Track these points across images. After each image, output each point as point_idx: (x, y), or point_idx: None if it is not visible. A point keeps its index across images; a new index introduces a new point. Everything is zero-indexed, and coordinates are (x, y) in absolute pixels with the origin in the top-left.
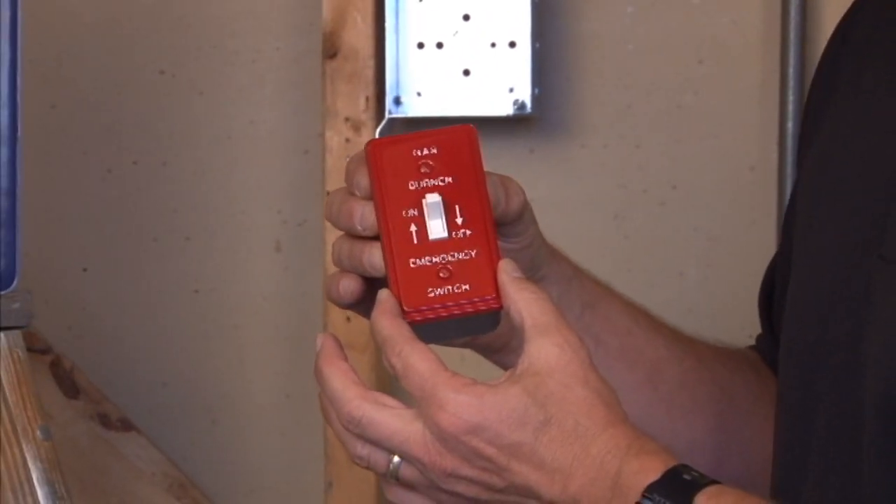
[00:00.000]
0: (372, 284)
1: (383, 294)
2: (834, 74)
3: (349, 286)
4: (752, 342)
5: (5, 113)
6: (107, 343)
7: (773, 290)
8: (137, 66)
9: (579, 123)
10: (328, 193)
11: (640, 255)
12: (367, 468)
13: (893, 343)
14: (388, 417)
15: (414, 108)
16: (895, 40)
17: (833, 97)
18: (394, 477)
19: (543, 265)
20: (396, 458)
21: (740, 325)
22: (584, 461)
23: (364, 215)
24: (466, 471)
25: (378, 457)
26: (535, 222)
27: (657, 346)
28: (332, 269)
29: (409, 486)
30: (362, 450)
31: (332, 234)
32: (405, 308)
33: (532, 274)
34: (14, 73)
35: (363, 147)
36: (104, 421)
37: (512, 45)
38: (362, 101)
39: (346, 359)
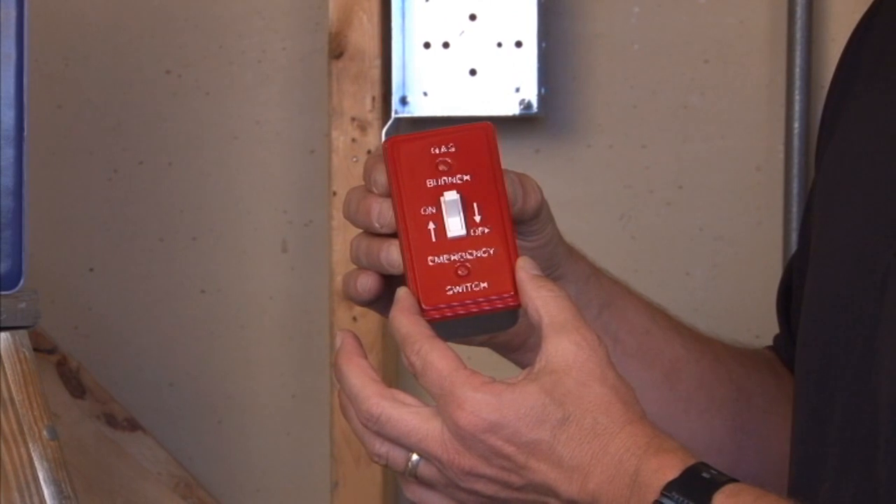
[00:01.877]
0: (390, 282)
1: (402, 292)
2: (851, 74)
3: (367, 283)
4: (759, 341)
5: (11, 113)
6: (113, 343)
7: (790, 289)
8: (143, 67)
9: (585, 123)
10: (334, 193)
11: (647, 255)
12: (386, 466)
13: None
14: (407, 415)
15: (420, 107)
16: None
17: (850, 96)
18: (412, 475)
19: (561, 263)
20: (415, 457)
21: (746, 324)
22: (602, 459)
23: (382, 212)
24: (485, 469)
25: (396, 454)
26: (552, 220)
27: (675, 346)
28: (339, 269)
29: (427, 484)
30: (381, 448)
31: (339, 235)
32: (424, 306)
33: (550, 272)
34: (20, 73)
35: (374, 146)
36: (110, 421)
37: (518, 44)
38: (368, 101)
39: (365, 356)
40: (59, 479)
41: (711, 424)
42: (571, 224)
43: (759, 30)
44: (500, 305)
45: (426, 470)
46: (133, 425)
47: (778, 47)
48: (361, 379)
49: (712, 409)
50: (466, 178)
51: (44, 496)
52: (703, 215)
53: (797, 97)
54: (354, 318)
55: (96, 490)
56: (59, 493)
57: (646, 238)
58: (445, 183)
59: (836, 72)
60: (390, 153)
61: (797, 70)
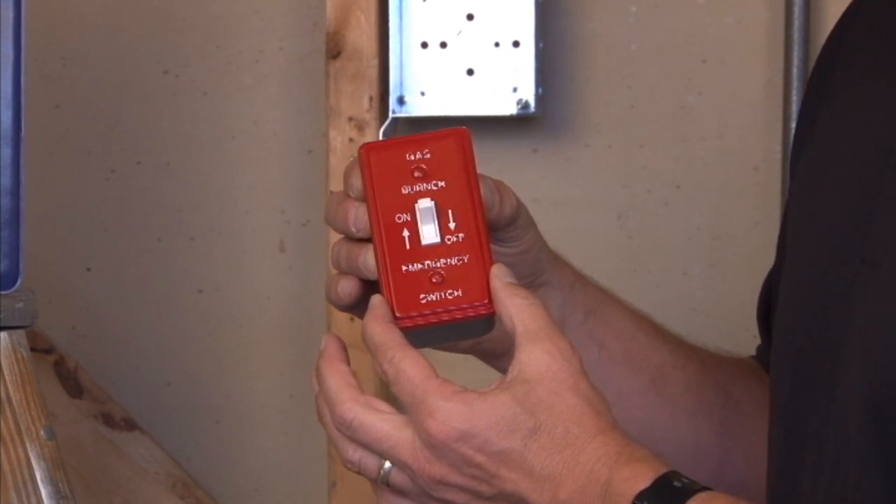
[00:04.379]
0: (370, 287)
1: (375, 300)
2: (826, 81)
3: (347, 288)
4: (757, 341)
5: (9, 113)
6: (111, 343)
7: (770, 299)
8: (141, 67)
9: (583, 123)
10: (332, 193)
11: (644, 254)
12: (359, 473)
13: (874, 347)
14: (379, 422)
15: (418, 107)
16: (886, 46)
17: (824, 104)
18: (384, 482)
19: (546, 270)
20: (387, 464)
21: (745, 325)
22: (573, 469)
23: (358, 217)
24: (456, 478)
25: (369, 461)
26: (533, 226)
27: (661, 351)
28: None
29: (400, 492)
30: (353, 454)
31: (336, 235)
32: (397, 314)
33: (534, 279)
34: (18, 73)
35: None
36: (108, 420)
37: (516, 44)
38: (366, 101)
39: (347, 361)
40: (56, 478)
41: (698, 429)
42: (569, 224)
43: (756, 30)
44: (472, 314)
45: (398, 478)
46: (131, 425)
47: (776, 48)
48: (338, 383)
49: (699, 414)
50: (441, 184)
51: (41, 496)
52: (701, 215)
53: (794, 97)
54: (351, 319)
55: (94, 490)
56: (57, 492)
57: (643, 238)
58: (420, 190)
59: (810, 78)
60: (364, 160)
61: (795, 70)
